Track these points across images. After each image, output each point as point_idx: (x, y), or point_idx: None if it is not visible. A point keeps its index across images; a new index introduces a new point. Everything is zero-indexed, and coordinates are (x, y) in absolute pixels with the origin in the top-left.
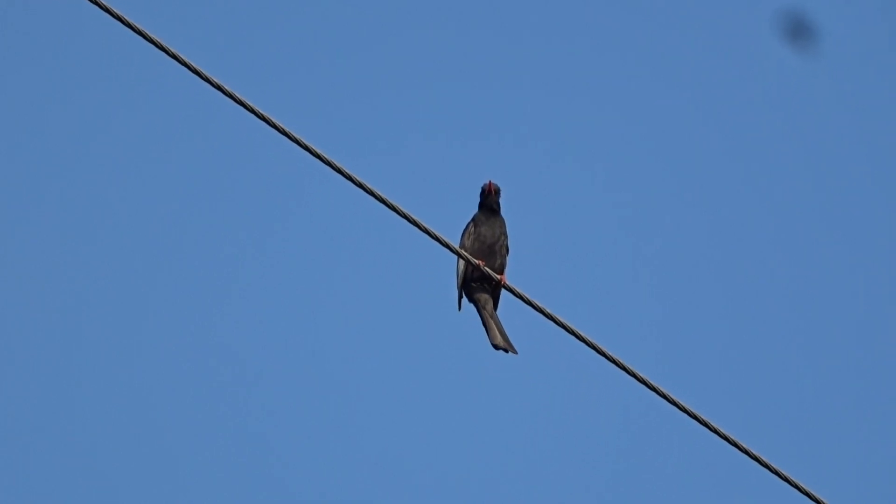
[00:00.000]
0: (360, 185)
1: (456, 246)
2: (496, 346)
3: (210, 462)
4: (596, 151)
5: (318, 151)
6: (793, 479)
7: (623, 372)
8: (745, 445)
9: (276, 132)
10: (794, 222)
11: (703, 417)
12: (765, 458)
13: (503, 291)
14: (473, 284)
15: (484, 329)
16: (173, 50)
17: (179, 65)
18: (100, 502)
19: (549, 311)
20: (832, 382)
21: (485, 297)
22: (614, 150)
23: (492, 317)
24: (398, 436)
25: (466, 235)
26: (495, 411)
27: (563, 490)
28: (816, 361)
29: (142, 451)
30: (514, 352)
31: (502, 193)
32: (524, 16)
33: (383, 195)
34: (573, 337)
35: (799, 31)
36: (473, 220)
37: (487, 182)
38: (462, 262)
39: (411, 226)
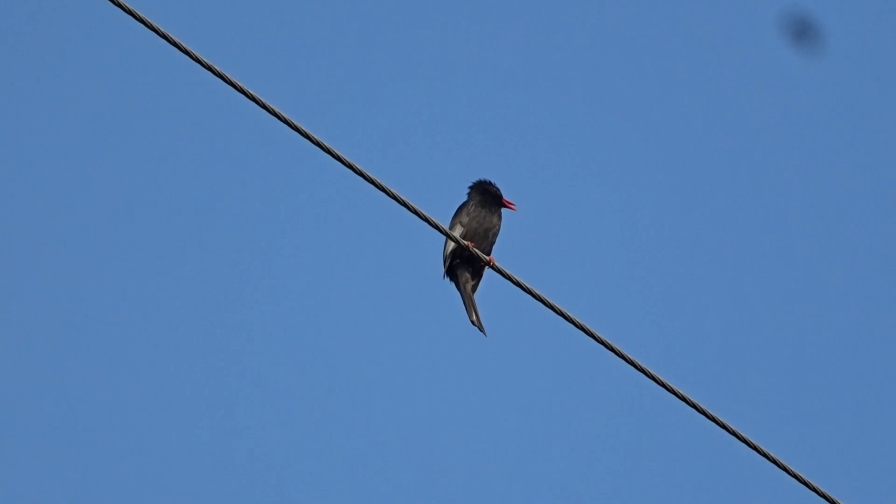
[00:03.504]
0: (351, 166)
1: (445, 225)
2: (472, 323)
3: (212, 461)
4: (602, 151)
5: (308, 131)
6: (792, 468)
7: (612, 353)
8: (727, 423)
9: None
10: (797, 220)
11: (694, 400)
12: (746, 436)
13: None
14: (461, 261)
15: (463, 305)
16: (188, 46)
17: (189, 60)
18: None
19: (536, 291)
20: (832, 375)
21: (466, 276)
22: (618, 150)
23: (469, 297)
24: (388, 425)
25: (465, 213)
26: (480, 395)
27: (550, 477)
28: (818, 355)
29: (144, 451)
30: (484, 333)
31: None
32: (525, 16)
33: (373, 175)
34: (562, 318)
35: (803, 32)
36: (472, 199)
37: (508, 202)
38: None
39: (398, 206)
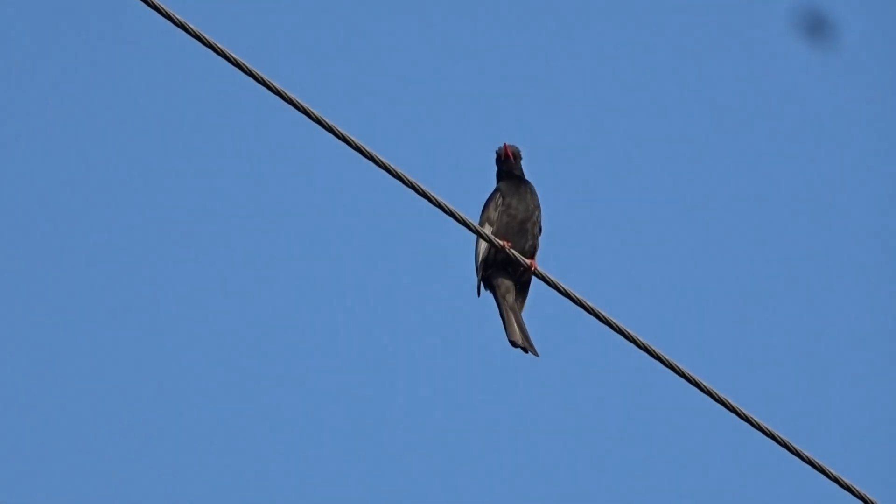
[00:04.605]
0: (371, 157)
1: (475, 222)
2: (514, 344)
3: (215, 462)
4: (612, 148)
5: (327, 121)
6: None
7: (677, 375)
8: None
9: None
10: (814, 217)
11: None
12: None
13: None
14: (495, 269)
15: (502, 322)
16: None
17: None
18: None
19: (590, 304)
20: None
21: (506, 285)
22: (630, 147)
23: (511, 310)
24: (404, 437)
25: (493, 207)
26: (518, 414)
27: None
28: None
29: (143, 450)
30: (535, 353)
31: (522, 156)
32: (531, 13)
33: (397, 168)
34: (616, 333)
35: (817, 26)
36: (498, 189)
37: (502, 146)
38: (482, 241)
39: (425, 202)
